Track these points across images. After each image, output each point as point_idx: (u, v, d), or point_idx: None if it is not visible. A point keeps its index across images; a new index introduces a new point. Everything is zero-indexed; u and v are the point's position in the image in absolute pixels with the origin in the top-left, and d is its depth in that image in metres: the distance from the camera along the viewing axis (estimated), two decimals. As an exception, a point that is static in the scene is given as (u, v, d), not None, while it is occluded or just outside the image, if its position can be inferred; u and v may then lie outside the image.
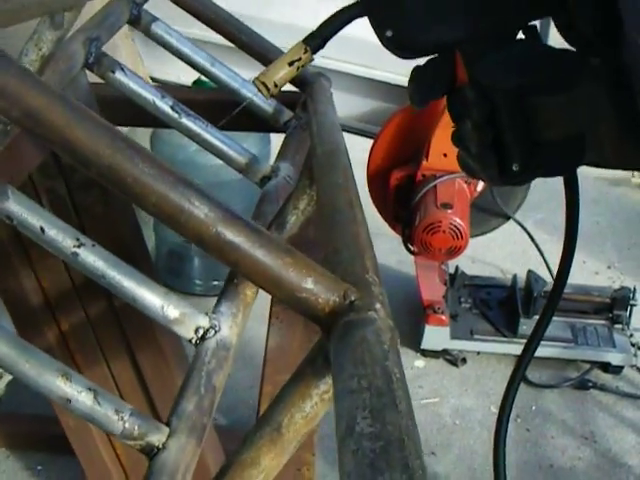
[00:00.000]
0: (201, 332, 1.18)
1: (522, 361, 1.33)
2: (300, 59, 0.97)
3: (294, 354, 1.22)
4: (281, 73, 0.97)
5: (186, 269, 3.65)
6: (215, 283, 3.60)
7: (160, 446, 1.04)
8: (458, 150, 0.99)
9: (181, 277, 3.67)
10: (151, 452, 1.04)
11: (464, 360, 3.23)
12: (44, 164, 1.56)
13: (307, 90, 1.71)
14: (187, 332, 1.18)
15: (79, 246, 1.15)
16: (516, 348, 3.17)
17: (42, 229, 1.15)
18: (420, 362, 3.20)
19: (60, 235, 1.15)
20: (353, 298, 0.71)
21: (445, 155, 2.97)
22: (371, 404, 0.55)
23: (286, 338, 1.24)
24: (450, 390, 3.08)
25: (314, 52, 1.00)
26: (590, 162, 0.90)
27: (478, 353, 3.27)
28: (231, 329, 1.21)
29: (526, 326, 3.15)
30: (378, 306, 0.71)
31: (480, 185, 3.11)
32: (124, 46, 3.94)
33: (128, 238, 1.66)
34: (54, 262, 1.72)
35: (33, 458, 2.76)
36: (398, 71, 3.20)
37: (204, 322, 1.18)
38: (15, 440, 2.81)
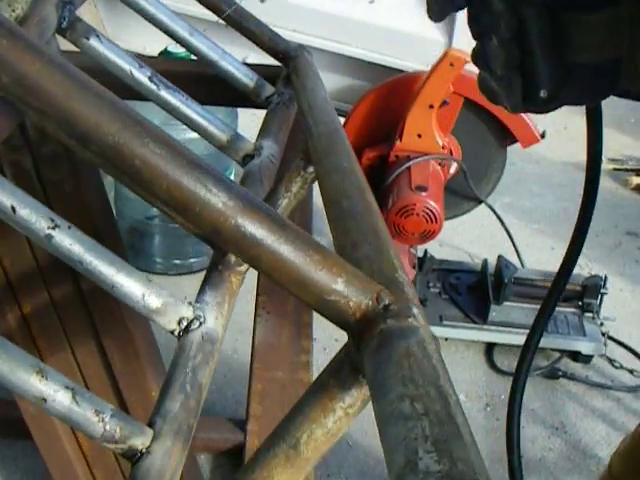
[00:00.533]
0: (184, 323, 1.09)
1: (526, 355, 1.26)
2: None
3: (284, 349, 1.13)
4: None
5: (146, 247, 3.54)
6: (176, 262, 3.50)
7: (144, 450, 0.95)
8: (479, 73, 0.90)
9: (141, 255, 3.56)
10: (134, 457, 0.95)
11: (432, 346, 3.14)
12: (10, 136, 1.46)
13: (290, 64, 1.62)
14: (169, 323, 1.09)
15: (54, 228, 1.05)
16: (485, 335, 3.12)
17: (13, 208, 1.05)
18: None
19: (33, 215, 1.05)
20: (387, 302, 0.62)
21: (419, 136, 2.90)
22: (433, 434, 0.47)
23: (275, 332, 1.15)
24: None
25: None
26: (620, 92, 0.82)
27: (446, 339, 3.21)
28: (217, 320, 1.12)
29: (496, 312, 3.08)
30: (416, 311, 0.63)
31: (453, 167, 3.03)
32: (86, 12, 3.80)
33: (100, 219, 1.56)
34: (16, 239, 1.61)
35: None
36: (372, 48, 3.11)
37: (187, 312, 1.09)
38: (-32, 424, 2.70)
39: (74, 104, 0.55)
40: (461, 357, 3.15)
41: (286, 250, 0.59)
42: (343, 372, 0.64)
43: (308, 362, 1.11)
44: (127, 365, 1.72)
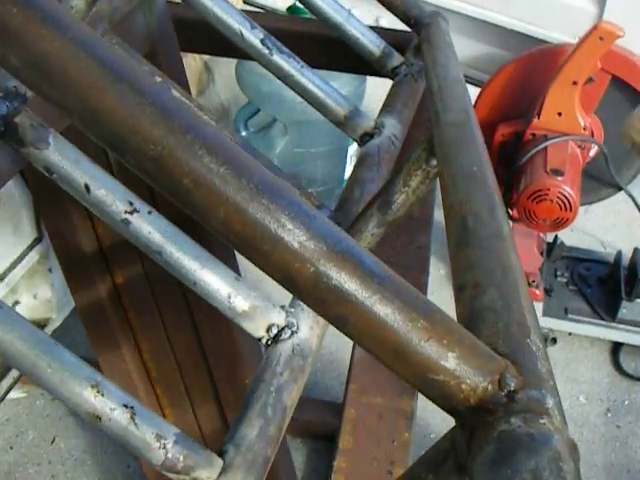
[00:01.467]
0: (274, 331, 0.95)
1: None
2: None
3: (385, 371, 0.97)
4: None
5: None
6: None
7: (209, 485, 0.81)
8: None
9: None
10: (197, 492, 0.81)
11: (554, 340, 2.93)
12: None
13: (421, 32, 1.44)
14: (257, 329, 0.95)
15: (132, 212, 0.92)
16: (613, 333, 2.89)
17: (87, 187, 0.92)
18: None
19: (109, 196, 0.92)
20: (513, 387, 0.46)
21: (560, 114, 2.68)
22: None
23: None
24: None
25: None
26: None
27: (570, 334, 2.99)
28: (312, 330, 0.98)
29: (626, 310, 2.85)
30: (551, 403, 0.46)
31: (593, 150, 2.81)
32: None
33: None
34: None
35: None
36: (515, 15, 2.89)
37: (279, 319, 0.95)
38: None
39: (105, 98, 0.40)
40: (584, 355, 2.93)
41: (383, 311, 0.43)
42: (445, 469, 0.47)
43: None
44: (220, 345, 1.60)
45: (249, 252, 0.44)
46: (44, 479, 2.37)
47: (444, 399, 0.46)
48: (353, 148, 3.26)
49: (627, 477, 2.46)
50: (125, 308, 1.64)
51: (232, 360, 1.64)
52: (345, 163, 3.30)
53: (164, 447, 0.79)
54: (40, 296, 1.81)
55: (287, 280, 0.44)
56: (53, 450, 2.44)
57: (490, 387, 0.45)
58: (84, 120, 0.41)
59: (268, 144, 3.13)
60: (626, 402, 2.70)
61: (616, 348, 2.93)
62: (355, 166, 1.23)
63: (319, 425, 2.37)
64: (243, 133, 3.09)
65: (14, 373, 1.78)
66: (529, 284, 2.81)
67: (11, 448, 2.42)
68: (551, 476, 0.40)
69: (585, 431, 2.58)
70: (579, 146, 2.73)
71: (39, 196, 1.53)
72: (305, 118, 2.82)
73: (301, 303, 0.99)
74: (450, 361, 0.44)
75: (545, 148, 2.66)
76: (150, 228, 0.92)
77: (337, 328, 0.46)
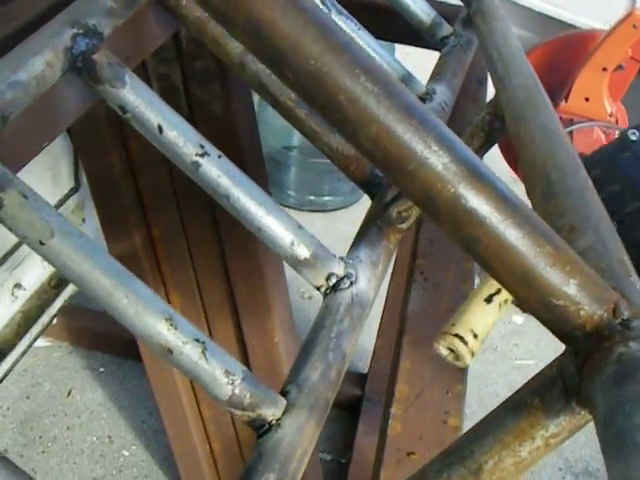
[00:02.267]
0: (333, 280, 0.97)
1: None
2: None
3: (439, 322, 0.99)
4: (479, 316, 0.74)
5: (281, 178, 3.43)
6: (310, 198, 3.38)
7: (274, 422, 0.83)
8: None
9: (275, 186, 3.44)
10: (261, 428, 0.83)
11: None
12: (161, 47, 1.35)
13: (472, 4, 1.46)
14: (316, 278, 0.97)
15: (202, 155, 0.94)
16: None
17: (160, 127, 0.94)
18: (519, 318, 2.96)
19: (181, 138, 0.94)
20: (626, 316, 0.48)
21: (587, 99, 2.69)
22: None
23: (432, 302, 1.01)
24: (547, 354, 2.82)
25: None
26: None
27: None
28: (370, 282, 0.99)
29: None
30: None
31: (616, 138, 2.82)
32: None
33: (246, 146, 1.44)
34: (154, 159, 1.51)
35: (96, 358, 2.60)
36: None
37: (338, 269, 0.96)
38: (80, 337, 2.65)
39: (269, 13, 0.42)
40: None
41: (513, 235, 0.45)
42: (552, 393, 0.49)
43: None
44: (252, 302, 1.62)
45: (394, 171, 0.46)
46: (59, 430, 2.39)
47: (561, 324, 0.47)
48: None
49: None
50: (159, 260, 1.66)
51: (263, 322, 1.66)
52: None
53: (232, 383, 0.81)
54: (72, 246, 1.82)
55: (427, 200, 0.46)
56: (69, 402, 2.46)
57: (605, 315, 0.47)
58: (247, 33, 0.43)
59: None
60: None
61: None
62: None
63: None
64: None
65: (44, 319, 1.80)
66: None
67: (27, 398, 2.45)
68: (676, 392, 0.42)
69: (593, 414, 2.61)
70: (604, 132, 2.75)
71: (82, 146, 1.55)
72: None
73: (359, 255, 1.01)
74: (571, 287, 0.46)
75: (571, 132, 2.67)
76: (219, 172, 0.93)
77: (468, 250, 0.48)
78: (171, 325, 0.79)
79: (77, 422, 2.41)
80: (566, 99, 2.70)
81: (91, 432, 2.39)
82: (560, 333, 0.48)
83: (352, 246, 1.02)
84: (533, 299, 0.47)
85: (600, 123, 2.69)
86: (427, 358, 0.95)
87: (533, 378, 0.52)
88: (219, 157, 0.93)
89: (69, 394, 2.48)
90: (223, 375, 0.80)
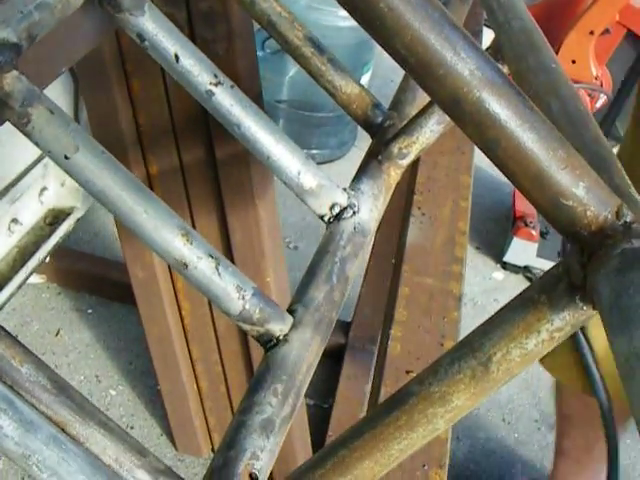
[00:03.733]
0: (337, 209, 1.01)
1: None
2: None
3: (436, 255, 1.04)
4: None
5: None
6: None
7: (281, 337, 0.88)
8: None
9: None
10: (269, 342, 0.88)
11: (546, 281, 3.01)
12: (166, -14, 1.38)
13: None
14: (320, 207, 1.01)
15: (217, 84, 0.97)
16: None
17: (176, 56, 0.97)
18: (499, 274, 3.02)
19: (197, 67, 0.97)
20: (629, 219, 0.52)
21: (574, 62, 2.73)
22: None
23: (428, 235, 1.06)
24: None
25: None
26: None
27: (561, 276, 3.07)
28: (371, 212, 1.04)
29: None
30: (661, 236, 0.53)
31: (601, 101, 2.87)
32: None
33: (247, 88, 1.47)
34: (156, 94, 1.53)
35: (84, 300, 2.64)
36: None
37: (342, 199, 1.01)
38: (69, 278, 2.69)
39: None
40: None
41: (530, 138, 0.50)
42: (558, 290, 0.54)
43: (461, 274, 1.03)
44: (248, 245, 1.66)
45: (424, 75, 0.50)
46: (48, 368, 2.42)
47: (569, 224, 0.52)
48: (367, 76, 3.31)
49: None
50: (157, 200, 1.69)
51: (257, 265, 1.69)
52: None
53: (243, 298, 0.85)
54: (68, 184, 1.85)
55: (453, 103, 0.50)
56: (57, 342, 2.50)
57: (610, 217, 0.51)
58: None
59: (282, 67, 3.17)
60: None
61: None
62: (406, 75, 1.29)
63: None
64: (259, 53, 3.13)
65: (39, 255, 1.83)
66: (526, 224, 2.89)
67: (16, 336, 2.48)
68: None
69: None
70: (589, 94, 2.79)
71: (85, 83, 1.57)
72: (330, 42, 2.85)
73: (361, 187, 1.05)
74: (580, 189, 0.51)
75: (558, 92, 2.72)
76: (232, 101, 0.97)
77: (488, 153, 0.52)
78: (187, 240, 0.83)
79: (65, 361, 2.45)
80: (554, 60, 2.74)
81: (79, 371, 2.43)
82: (567, 233, 0.53)
83: (354, 179, 1.06)
84: (544, 199, 0.52)
85: (586, 85, 2.74)
86: (424, 287, 0.99)
87: (540, 277, 0.57)
88: (232, 87, 0.96)
89: (57, 334, 2.52)
90: (235, 290, 0.84)
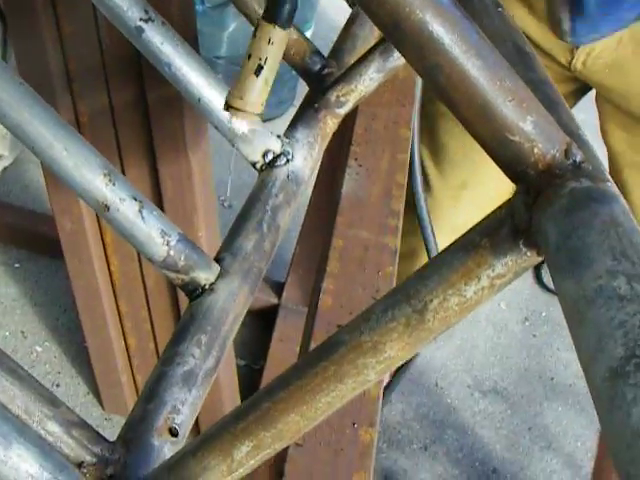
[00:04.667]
0: (270, 157, 0.97)
1: None
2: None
3: (372, 208, 1.01)
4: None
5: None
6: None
7: (207, 286, 0.84)
8: None
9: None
10: (194, 292, 0.84)
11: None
12: None
13: None
14: (253, 153, 0.97)
15: (147, 21, 0.92)
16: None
17: (105, -11, 0.92)
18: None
19: (126, 1, 0.92)
20: (578, 159, 0.49)
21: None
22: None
23: (365, 187, 1.02)
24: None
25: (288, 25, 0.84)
26: None
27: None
28: (306, 161, 1.00)
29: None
30: (609, 178, 0.50)
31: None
32: None
33: (182, 28, 1.42)
34: (87, 36, 1.47)
35: (12, 254, 2.56)
36: None
37: (275, 146, 0.97)
38: (-5, 231, 2.61)
39: None
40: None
41: (476, 66, 0.46)
42: (501, 233, 0.50)
43: (397, 227, 0.99)
44: (179, 198, 1.61)
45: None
46: (-29, 323, 2.36)
47: (515, 162, 0.48)
48: (308, 34, 3.25)
49: (538, 382, 2.57)
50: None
51: (189, 219, 1.65)
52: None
53: (167, 244, 0.81)
54: (-6, 131, 1.79)
55: (393, 25, 0.46)
56: (-19, 296, 2.44)
57: (558, 155, 0.48)
58: None
59: (221, 22, 3.10)
60: (544, 314, 2.79)
61: (539, 264, 3.01)
62: (348, 22, 1.25)
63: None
64: (199, 7, 3.06)
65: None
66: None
67: (-62, 289, 2.42)
68: (627, 222, 0.43)
69: (503, 336, 2.67)
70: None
71: (14, 24, 1.51)
72: (263, -1, 2.81)
73: (296, 135, 1.01)
74: (527, 124, 0.47)
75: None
76: (163, 39, 0.92)
77: (429, 80, 0.48)
78: (109, 181, 0.78)
79: (-11, 316, 2.39)
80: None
81: (4, 327, 2.37)
82: (512, 172, 0.49)
83: (289, 127, 1.02)
84: (489, 133, 0.48)
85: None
86: (359, 240, 0.96)
87: (482, 219, 0.53)
88: (163, 24, 0.91)
89: (-19, 287, 2.45)
90: (159, 235, 0.80)
